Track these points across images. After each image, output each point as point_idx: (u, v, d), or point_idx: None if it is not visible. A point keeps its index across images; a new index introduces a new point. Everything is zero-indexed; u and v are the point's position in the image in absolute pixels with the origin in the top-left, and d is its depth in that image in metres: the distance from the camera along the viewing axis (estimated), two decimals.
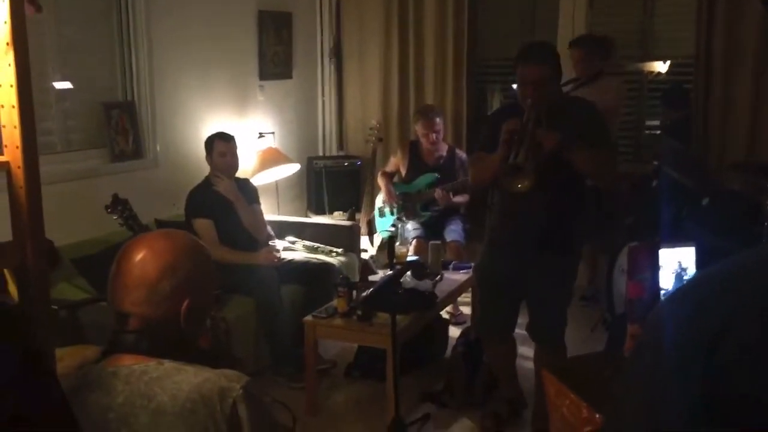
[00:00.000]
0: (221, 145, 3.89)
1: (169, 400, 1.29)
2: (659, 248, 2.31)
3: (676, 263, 2.32)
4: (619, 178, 4.22)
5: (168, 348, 1.38)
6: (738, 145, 4.51)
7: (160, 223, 3.87)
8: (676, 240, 2.40)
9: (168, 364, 1.35)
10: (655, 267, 2.26)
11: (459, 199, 4.57)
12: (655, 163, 4.53)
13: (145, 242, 1.43)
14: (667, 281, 2.27)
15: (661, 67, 5.13)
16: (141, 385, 1.32)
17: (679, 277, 2.26)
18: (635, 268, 2.26)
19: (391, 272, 3.43)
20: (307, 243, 4.43)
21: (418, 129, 4.53)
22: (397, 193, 4.63)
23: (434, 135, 4.46)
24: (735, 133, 4.54)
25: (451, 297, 3.93)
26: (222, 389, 1.31)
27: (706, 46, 4.54)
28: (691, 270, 2.29)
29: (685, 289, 0.64)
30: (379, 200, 4.77)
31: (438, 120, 4.51)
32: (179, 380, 1.32)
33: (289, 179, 5.08)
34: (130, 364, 1.35)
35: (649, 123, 5.16)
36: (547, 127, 2.64)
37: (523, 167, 2.60)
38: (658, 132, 4.98)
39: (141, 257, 1.39)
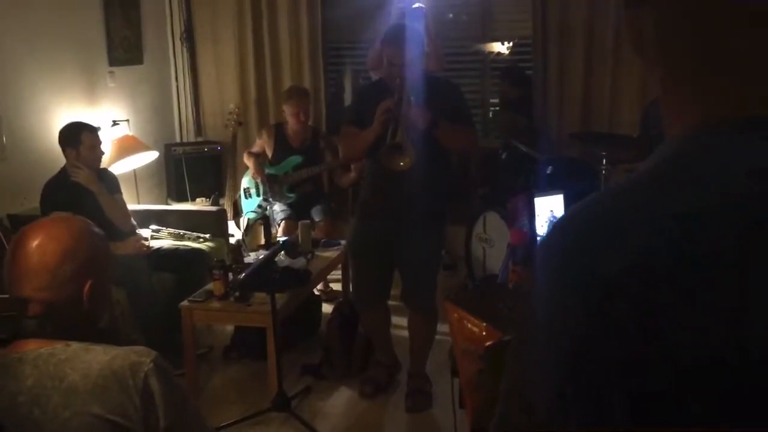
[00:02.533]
0: (91, 138, 3.76)
1: (81, 379, 1.32)
2: (534, 197, 2.58)
3: (548, 212, 2.61)
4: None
5: (72, 330, 1.39)
6: (574, 117, 4.95)
7: (13, 218, 3.69)
8: (547, 190, 2.69)
9: (75, 345, 1.37)
10: (531, 214, 2.52)
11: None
12: (501, 137, 4.89)
13: (40, 228, 1.43)
14: (541, 228, 2.57)
15: (501, 48, 5.50)
16: (50, 367, 1.33)
17: (551, 223, 2.55)
18: (515, 217, 2.49)
19: (265, 253, 3.50)
20: (173, 230, 4.36)
21: (287, 109, 4.57)
22: (265, 173, 4.66)
23: (302, 114, 4.52)
24: (571, 107, 4.97)
25: (324, 273, 4.05)
26: (133, 364, 1.35)
27: (542, 28, 4.92)
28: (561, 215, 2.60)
29: (555, 233, 0.61)
30: (245, 181, 4.78)
31: (306, 100, 4.58)
32: (89, 359, 1.34)
33: (147, 167, 4.95)
34: (35, 348, 1.35)
35: (492, 101, 5.52)
36: (416, 103, 2.83)
37: (403, 146, 2.78)
38: (498, 108, 5.34)
39: (38, 243, 1.39)
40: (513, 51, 5.37)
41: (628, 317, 0.51)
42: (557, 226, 0.60)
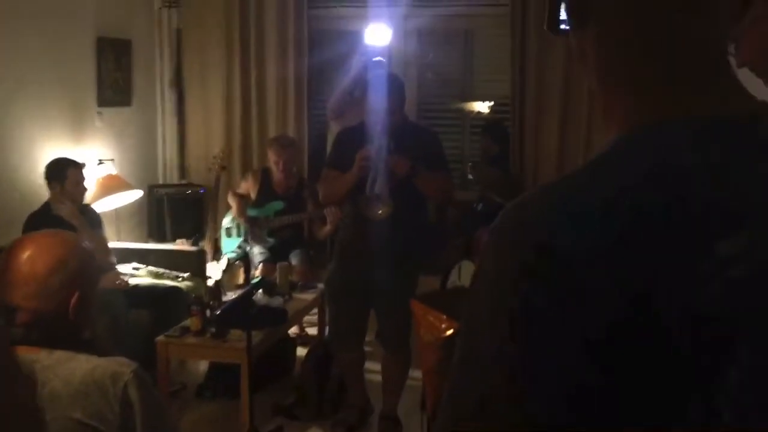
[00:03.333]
0: (77, 174, 3.85)
1: (63, 385, 1.37)
2: None
3: None
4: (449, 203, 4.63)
5: (57, 339, 1.45)
6: (549, 170, 5.11)
7: None
8: None
9: (59, 353, 1.42)
10: None
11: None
12: (476, 190, 5.03)
13: (31, 240, 1.51)
14: None
15: (481, 106, 5.71)
16: (32, 373, 1.38)
17: None
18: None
19: (242, 290, 3.55)
20: (153, 268, 4.40)
21: (270, 156, 4.68)
22: (247, 215, 4.73)
23: (282, 164, 4.61)
24: (546, 160, 5.13)
25: (300, 315, 4.10)
26: (114, 373, 1.40)
27: (519, 87, 5.12)
28: None
29: (498, 216, 0.66)
30: (227, 221, 4.84)
31: (290, 150, 4.69)
32: (72, 366, 1.40)
33: (129, 206, 5.01)
34: (21, 354, 1.40)
35: (472, 158, 5.68)
36: (395, 151, 2.94)
37: (380, 196, 2.88)
38: (478, 161, 5.49)
39: (29, 254, 1.46)
40: (493, 109, 5.57)
41: (555, 275, 0.58)
42: (504, 211, 0.67)
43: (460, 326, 0.68)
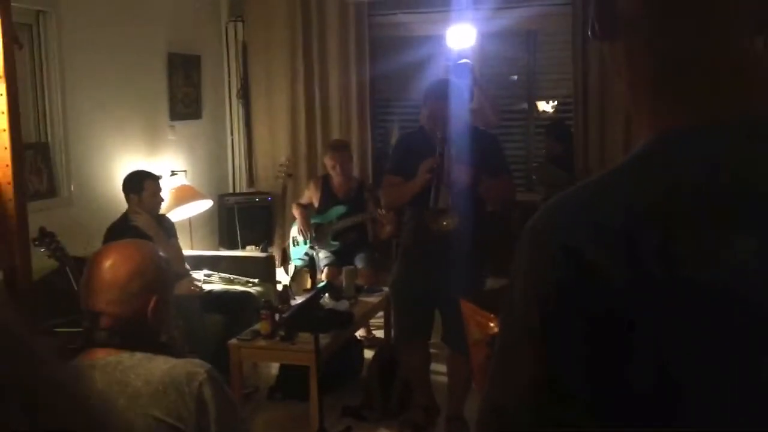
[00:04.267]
0: (154, 185, 4.03)
1: (143, 385, 1.47)
2: None
3: None
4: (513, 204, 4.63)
5: (137, 342, 1.56)
6: None
7: (78, 261, 3.92)
8: None
9: (139, 355, 1.53)
10: None
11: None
12: (540, 191, 5.00)
13: (113, 250, 1.63)
14: None
15: (545, 106, 5.68)
16: (117, 373, 1.49)
17: None
18: None
19: (310, 294, 3.65)
20: (224, 275, 4.57)
21: (327, 162, 4.79)
22: (311, 222, 4.85)
23: (339, 167, 4.71)
24: (611, 160, 5.06)
25: (366, 318, 4.17)
26: (189, 373, 1.50)
27: (582, 86, 5.07)
28: None
29: (533, 217, 0.71)
30: (293, 230, 4.98)
31: (345, 154, 4.79)
32: (151, 367, 1.50)
33: (201, 215, 5.20)
34: (105, 356, 1.52)
35: (537, 158, 5.66)
36: (457, 159, 2.97)
37: (446, 209, 2.92)
38: (542, 162, 5.47)
39: (111, 263, 1.58)
40: (556, 109, 5.54)
41: (584, 278, 0.63)
42: (538, 213, 0.72)
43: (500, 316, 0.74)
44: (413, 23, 5.54)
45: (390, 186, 3.28)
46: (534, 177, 5.56)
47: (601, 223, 0.65)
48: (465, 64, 4.27)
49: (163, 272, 1.62)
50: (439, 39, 5.01)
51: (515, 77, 5.77)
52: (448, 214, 2.95)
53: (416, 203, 3.16)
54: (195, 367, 1.52)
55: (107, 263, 1.57)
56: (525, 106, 5.66)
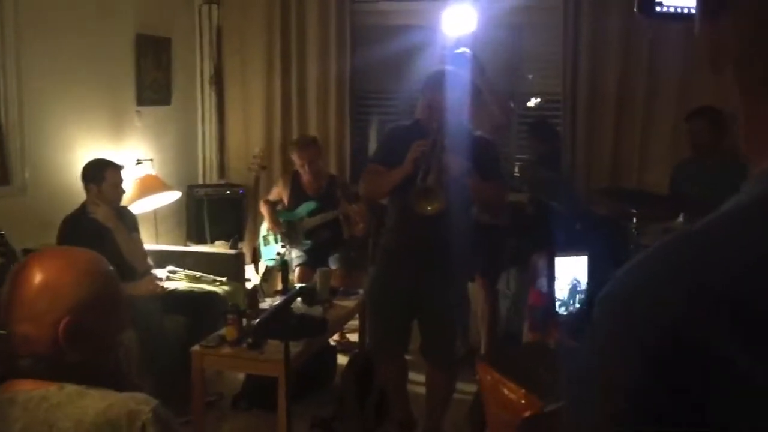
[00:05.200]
0: (115, 175, 3.75)
1: (73, 426, 1.22)
2: (554, 257, 2.45)
3: (570, 275, 2.45)
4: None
5: (68, 372, 1.29)
6: (602, 172, 4.86)
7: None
8: (572, 248, 2.55)
9: (70, 388, 1.27)
10: (551, 275, 2.38)
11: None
12: (527, 191, 4.79)
13: (35, 258, 1.36)
14: (561, 292, 2.40)
15: (528, 103, 5.45)
16: (40, 412, 1.23)
17: (573, 289, 2.39)
18: (537, 275, 2.37)
19: (281, 299, 3.40)
20: (189, 272, 4.29)
21: (294, 159, 4.55)
22: (281, 220, 4.60)
23: (307, 166, 4.47)
24: (599, 162, 4.88)
25: (341, 323, 3.94)
26: (130, 412, 1.25)
27: (571, 86, 4.87)
28: (584, 281, 2.43)
29: (615, 281, 0.55)
30: (264, 228, 4.72)
31: (312, 151, 4.53)
32: (83, 405, 1.24)
33: (168, 207, 4.92)
34: (29, 389, 1.26)
35: (519, 156, 5.45)
36: (451, 147, 2.76)
37: (433, 190, 2.70)
38: (527, 161, 5.25)
39: (25, 274, 1.31)
40: (540, 106, 5.32)
41: (688, 372, 0.47)
42: (619, 275, 0.54)
43: (564, 401, 0.61)
44: (398, 11, 5.29)
45: (372, 172, 3.04)
46: (518, 175, 5.35)
47: (710, 291, 0.48)
48: (463, 53, 3.75)
49: (85, 290, 1.33)
50: (424, 29, 4.75)
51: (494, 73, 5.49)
52: (436, 194, 2.72)
53: (398, 196, 2.92)
54: (138, 404, 1.26)
55: (23, 275, 1.31)
56: (511, 104, 5.42)
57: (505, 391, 1.10)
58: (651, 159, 4.77)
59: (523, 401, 1.08)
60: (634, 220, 3.83)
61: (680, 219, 4.18)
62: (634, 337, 0.50)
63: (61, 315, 1.28)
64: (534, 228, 4.43)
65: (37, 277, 1.29)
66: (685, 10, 0.70)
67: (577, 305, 2.26)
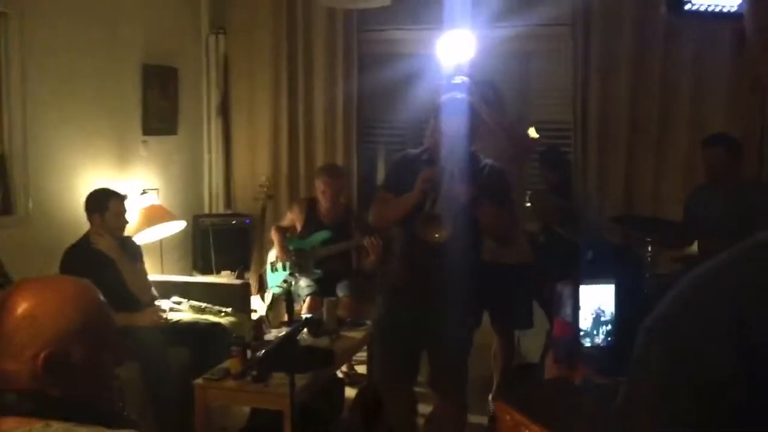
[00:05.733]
0: (118, 205, 3.71)
1: None
2: (579, 285, 2.36)
3: (595, 304, 2.35)
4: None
5: (54, 407, 1.21)
6: (615, 200, 4.78)
7: None
8: (592, 277, 2.45)
9: (56, 426, 1.18)
10: (576, 305, 2.29)
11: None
12: (538, 220, 4.71)
13: (18, 288, 1.28)
14: (585, 322, 2.30)
15: (534, 133, 5.37)
16: None
17: (597, 318, 2.29)
18: (558, 305, 2.28)
19: (287, 330, 3.32)
20: (194, 303, 4.21)
21: (318, 185, 4.50)
22: (291, 248, 4.52)
23: (329, 194, 4.42)
24: (612, 190, 4.81)
25: (348, 355, 3.85)
26: None
27: (582, 114, 4.82)
28: (609, 310, 2.33)
29: (661, 324, 0.54)
30: (272, 255, 4.65)
31: (339, 181, 4.49)
32: None
33: (173, 237, 4.87)
34: (12, 427, 1.18)
35: (531, 185, 5.37)
36: (459, 180, 2.72)
37: (440, 217, 2.65)
38: (538, 190, 5.17)
39: (7, 305, 1.23)
40: (551, 135, 5.25)
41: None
42: (670, 305, 0.52)
43: None
44: (404, 40, 5.27)
45: (382, 201, 2.99)
46: (528, 204, 5.26)
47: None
48: (462, 82, 3.56)
49: (67, 318, 1.24)
50: (430, 58, 4.71)
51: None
52: (443, 222, 2.67)
53: (405, 224, 2.87)
54: None
55: (5, 306, 1.23)
56: (531, 132, 5.36)
57: None
58: (665, 185, 4.69)
59: None
60: (649, 248, 3.74)
61: (694, 246, 4.09)
62: (683, 389, 0.48)
63: (41, 347, 1.20)
64: (545, 258, 4.33)
65: (18, 308, 1.22)
66: (715, 8, 0.64)
67: (602, 336, 2.17)
